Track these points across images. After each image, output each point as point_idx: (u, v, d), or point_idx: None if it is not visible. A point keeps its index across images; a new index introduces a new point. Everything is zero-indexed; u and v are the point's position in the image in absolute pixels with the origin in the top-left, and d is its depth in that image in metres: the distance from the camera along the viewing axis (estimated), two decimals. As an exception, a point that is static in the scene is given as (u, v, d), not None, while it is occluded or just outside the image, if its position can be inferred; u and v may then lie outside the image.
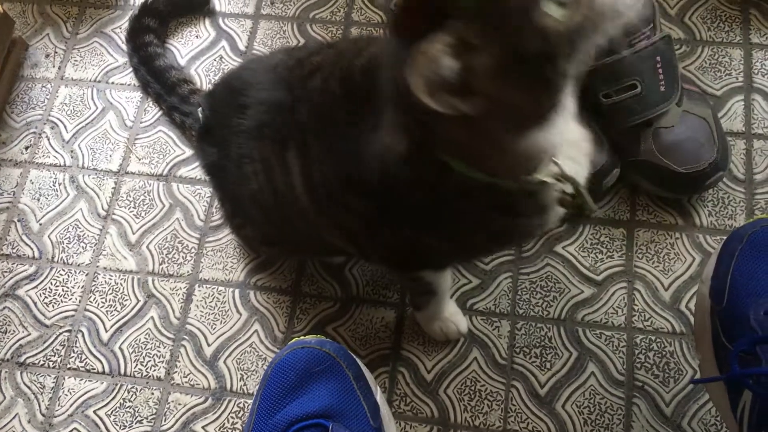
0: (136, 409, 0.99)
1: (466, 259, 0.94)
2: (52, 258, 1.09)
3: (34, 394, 1.01)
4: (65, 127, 1.17)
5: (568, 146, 0.68)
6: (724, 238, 0.98)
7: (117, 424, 0.98)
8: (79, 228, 1.10)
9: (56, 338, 1.04)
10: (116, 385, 1.01)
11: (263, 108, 0.79)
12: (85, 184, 1.13)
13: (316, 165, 0.74)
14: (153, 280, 1.06)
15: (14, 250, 1.10)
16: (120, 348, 1.02)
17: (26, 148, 1.16)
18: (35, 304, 1.06)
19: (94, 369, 1.02)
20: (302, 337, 0.82)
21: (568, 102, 0.62)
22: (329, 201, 0.75)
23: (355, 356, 0.82)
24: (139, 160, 1.14)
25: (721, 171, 0.96)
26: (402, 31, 0.55)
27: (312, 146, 0.74)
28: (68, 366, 1.02)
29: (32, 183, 1.14)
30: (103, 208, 1.11)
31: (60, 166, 1.15)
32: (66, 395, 1.01)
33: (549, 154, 0.63)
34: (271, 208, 0.84)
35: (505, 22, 0.49)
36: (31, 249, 1.10)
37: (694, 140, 0.96)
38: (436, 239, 0.75)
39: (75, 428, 0.99)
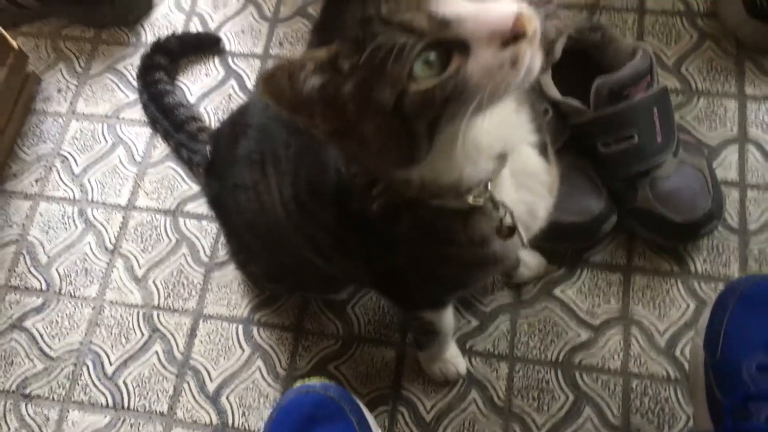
0: (139, 443, 1.01)
1: (440, 290, 0.87)
2: (60, 291, 1.11)
3: (38, 426, 1.02)
4: (75, 161, 1.20)
5: (525, 176, 0.69)
6: (719, 285, 1.01)
7: (119, 458, 1.00)
8: (87, 261, 1.12)
9: (61, 371, 1.05)
10: (119, 419, 1.02)
11: (252, 135, 0.82)
12: (94, 217, 1.15)
13: (286, 177, 0.77)
14: (158, 315, 1.08)
15: (22, 282, 1.12)
16: (124, 382, 1.04)
17: (36, 180, 1.19)
18: (41, 336, 1.08)
19: (98, 402, 1.03)
20: (307, 381, 0.84)
21: (525, 132, 0.65)
22: (300, 214, 0.77)
23: (357, 399, 0.84)
24: (147, 195, 1.16)
25: (715, 220, 0.99)
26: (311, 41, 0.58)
27: (282, 159, 0.77)
28: (72, 399, 1.04)
29: (41, 216, 1.16)
30: (110, 242, 1.13)
31: (69, 199, 1.17)
32: (70, 428, 1.02)
33: (475, 180, 0.63)
34: (265, 235, 0.86)
35: (371, 62, 0.50)
36: (39, 281, 1.11)
37: (690, 190, 0.99)
38: (398, 258, 0.75)
39: (78, 461, 1.00)
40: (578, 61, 1.06)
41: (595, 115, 0.98)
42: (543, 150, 0.71)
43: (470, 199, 0.64)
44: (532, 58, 0.49)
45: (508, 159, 0.64)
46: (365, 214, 0.68)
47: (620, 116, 0.97)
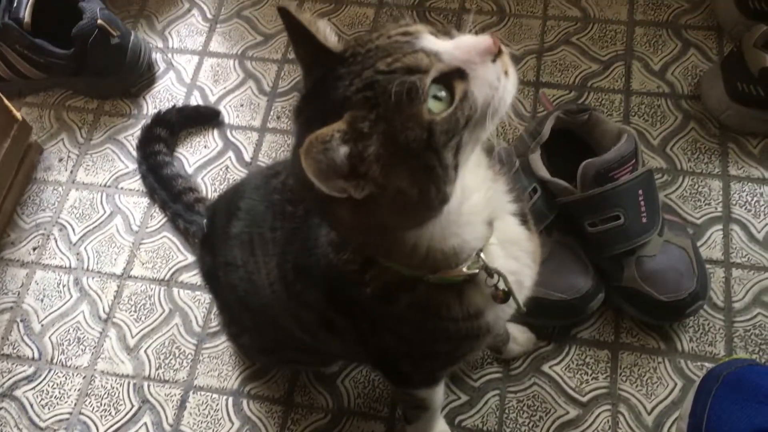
0: None
1: (433, 366, 0.88)
2: (52, 360, 1.11)
3: (23, 498, 1.02)
4: (73, 229, 1.22)
5: (509, 244, 0.72)
6: (705, 364, 1.02)
7: None
8: (80, 330, 1.13)
9: (50, 441, 1.05)
10: (106, 491, 1.02)
11: (242, 216, 0.84)
12: (89, 286, 1.17)
13: (273, 259, 0.78)
14: (149, 385, 1.08)
15: (15, 351, 1.12)
16: (112, 454, 1.04)
17: (34, 248, 1.20)
18: (32, 405, 1.08)
19: (85, 474, 1.03)
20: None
21: (505, 201, 0.68)
22: (287, 295, 0.79)
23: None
24: (143, 264, 1.18)
25: (700, 300, 1.01)
26: (301, 119, 0.61)
27: (269, 242, 0.79)
28: (60, 470, 1.03)
29: (37, 284, 1.17)
30: (104, 311, 1.14)
31: (65, 267, 1.18)
32: (55, 501, 1.01)
33: (470, 248, 0.66)
34: (255, 311, 0.88)
35: (391, 112, 0.54)
36: (32, 350, 1.12)
37: (675, 270, 1.01)
38: (389, 336, 0.77)
39: None
40: (567, 141, 1.10)
41: (582, 196, 1.01)
42: (524, 220, 0.75)
43: (465, 269, 0.66)
44: (513, 69, 0.58)
45: (494, 226, 0.68)
46: (357, 298, 0.70)
47: (606, 197, 1.00)
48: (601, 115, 1.08)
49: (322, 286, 0.74)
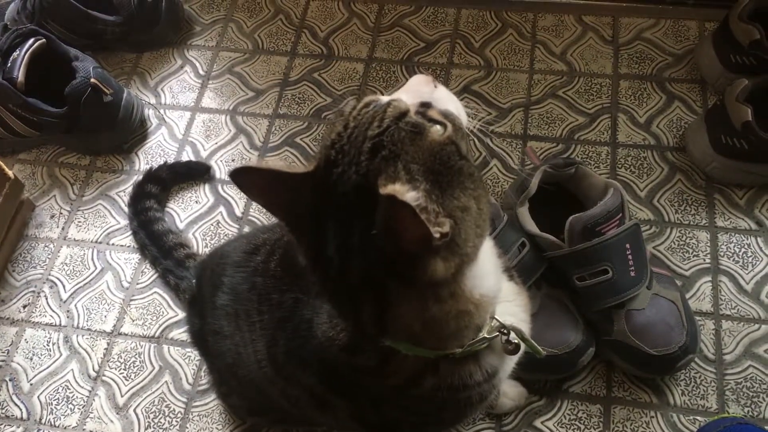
0: None
1: (431, 429, 0.90)
2: (40, 419, 1.10)
3: None
4: (64, 286, 1.21)
5: (505, 301, 0.74)
6: (697, 418, 1.01)
7: None
8: (69, 389, 1.12)
9: (36, 505, 1.04)
10: None
11: (227, 290, 0.85)
12: (78, 344, 1.16)
13: (261, 340, 0.79)
14: (138, 446, 1.07)
15: (3, 411, 1.11)
16: None
17: (24, 306, 1.20)
18: (19, 467, 1.07)
19: None
20: None
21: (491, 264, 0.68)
22: (277, 375, 0.79)
23: None
24: (133, 321, 1.18)
25: (691, 354, 1.01)
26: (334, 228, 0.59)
27: (256, 323, 0.79)
28: None
29: (27, 342, 1.17)
30: (93, 369, 1.14)
31: (55, 325, 1.18)
32: None
33: (491, 311, 0.68)
34: (244, 381, 0.87)
35: (412, 152, 0.56)
36: (20, 409, 1.11)
37: (664, 323, 1.01)
38: (396, 412, 0.77)
39: None
40: (554, 194, 1.11)
41: (569, 251, 1.01)
42: (510, 275, 0.78)
43: (485, 332, 0.68)
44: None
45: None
46: (364, 384, 0.72)
47: (594, 252, 1.01)
48: (587, 168, 1.09)
49: (319, 372, 0.74)
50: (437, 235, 0.53)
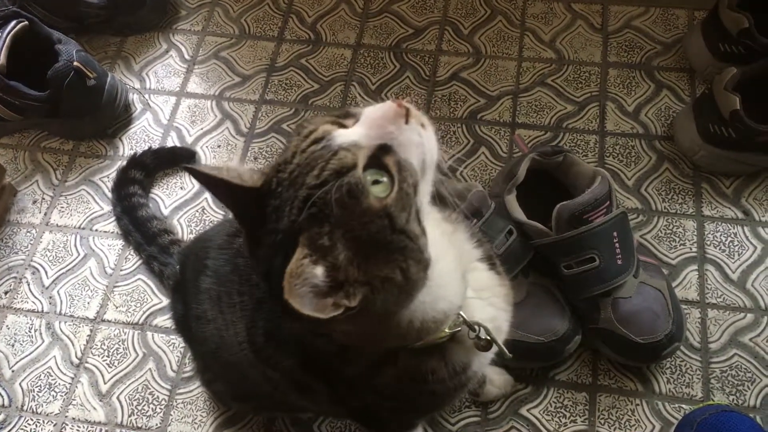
0: None
1: (414, 417, 0.90)
2: (22, 406, 1.09)
3: None
4: (46, 272, 1.20)
5: (483, 292, 0.73)
6: (683, 405, 1.02)
7: None
8: (51, 376, 1.11)
9: (18, 492, 1.03)
10: None
11: (210, 272, 0.84)
12: (61, 330, 1.15)
13: (241, 322, 0.78)
14: (121, 433, 1.06)
15: (-16, 398, 1.10)
16: (82, 504, 1.01)
17: (5, 293, 1.18)
18: (0, 455, 1.05)
19: None
20: None
21: (470, 248, 0.69)
22: (256, 357, 0.78)
23: None
24: (117, 308, 1.16)
25: (676, 342, 1.01)
26: (258, 255, 0.60)
27: (237, 305, 0.78)
28: None
29: (8, 328, 1.15)
30: (76, 356, 1.12)
31: (37, 311, 1.17)
32: None
33: (455, 306, 0.67)
34: (227, 365, 0.87)
35: (342, 218, 0.54)
36: (2, 397, 1.10)
37: (651, 311, 1.01)
38: (371, 398, 0.77)
39: None
40: (542, 182, 1.10)
41: (556, 238, 1.01)
42: (491, 264, 0.76)
43: (447, 329, 0.67)
44: (427, 119, 0.59)
45: (467, 278, 0.69)
46: (337, 369, 0.71)
47: (581, 240, 1.00)
48: (575, 156, 1.09)
49: (298, 354, 0.74)
50: (338, 312, 0.54)
